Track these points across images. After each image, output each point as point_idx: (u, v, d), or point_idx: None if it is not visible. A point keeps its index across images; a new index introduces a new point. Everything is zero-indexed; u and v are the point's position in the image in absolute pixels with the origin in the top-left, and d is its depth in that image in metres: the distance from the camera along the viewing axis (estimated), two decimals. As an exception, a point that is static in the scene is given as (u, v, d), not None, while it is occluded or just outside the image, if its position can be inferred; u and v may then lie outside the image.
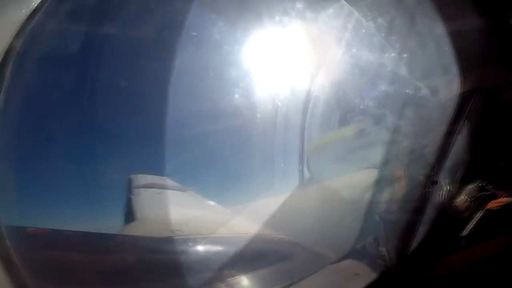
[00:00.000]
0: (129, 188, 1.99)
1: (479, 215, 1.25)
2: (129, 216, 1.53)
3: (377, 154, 1.25)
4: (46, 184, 1.12)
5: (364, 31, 1.22)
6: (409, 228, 1.07)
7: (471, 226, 1.20)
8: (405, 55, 1.16)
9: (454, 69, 1.11)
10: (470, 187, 1.70)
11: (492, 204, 1.33)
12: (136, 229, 1.40)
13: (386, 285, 0.90)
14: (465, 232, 1.20)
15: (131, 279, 0.93)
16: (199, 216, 2.07)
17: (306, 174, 2.16)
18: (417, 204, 1.20)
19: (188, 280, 1.02)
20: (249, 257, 1.34)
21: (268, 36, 1.15)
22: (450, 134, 1.36)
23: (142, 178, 2.23)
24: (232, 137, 1.68)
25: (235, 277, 1.08)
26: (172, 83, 1.37)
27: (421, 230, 1.19)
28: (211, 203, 2.28)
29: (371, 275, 0.93)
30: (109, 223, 1.37)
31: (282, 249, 1.59)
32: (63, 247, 0.90)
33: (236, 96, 1.39)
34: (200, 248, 1.39)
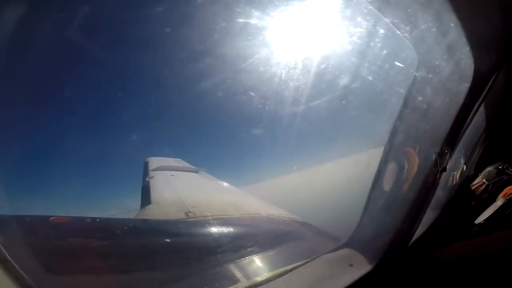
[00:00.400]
0: (144, 171, 2.09)
1: (497, 203, 1.19)
2: (145, 200, 1.64)
3: (385, 137, 1.21)
4: (63, 172, 1.20)
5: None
6: (413, 217, 1.05)
7: (488, 214, 1.15)
8: (418, 32, 1.06)
9: (473, 49, 1.01)
10: (489, 169, 1.61)
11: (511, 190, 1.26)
12: (151, 213, 1.50)
13: (378, 279, 0.90)
14: (479, 219, 1.16)
15: (147, 262, 1.01)
16: (211, 197, 2.16)
17: (315, 156, 2.14)
18: (424, 188, 1.17)
19: (199, 262, 1.09)
20: (258, 238, 1.40)
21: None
22: (465, 114, 1.28)
23: (156, 161, 2.33)
24: (244, 119, 1.69)
25: (245, 258, 1.14)
26: (183, 69, 1.37)
27: (428, 216, 1.16)
28: (224, 183, 2.36)
29: (364, 268, 0.93)
30: (127, 207, 1.47)
31: (290, 230, 1.64)
32: (83, 235, 0.99)
33: (248, 79, 1.38)
34: (211, 229, 1.47)
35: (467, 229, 1.15)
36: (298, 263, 0.96)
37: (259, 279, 1.02)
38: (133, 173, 1.90)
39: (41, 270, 0.69)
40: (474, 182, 1.52)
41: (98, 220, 1.09)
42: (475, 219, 1.18)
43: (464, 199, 1.42)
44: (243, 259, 1.17)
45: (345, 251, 1.03)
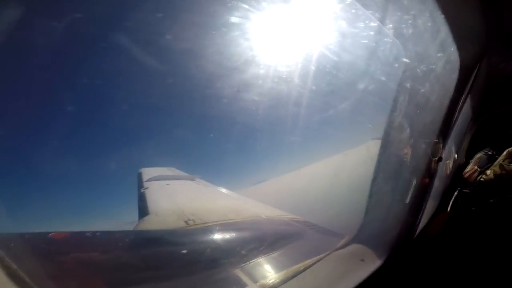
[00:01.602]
0: (139, 183, 2.03)
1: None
2: (142, 211, 1.58)
3: (380, 134, 1.24)
4: (56, 188, 1.14)
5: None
6: (417, 205, 1.08)
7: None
8: (406, 27, 1.11)
9: (457, 42, 1.07)
10: (479, 155, 1.69)
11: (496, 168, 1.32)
12: (150, 224, 1.45)
13: (390, 272, 0.91)
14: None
15: (150, 274, 0.97)
16: (209, 204, 2.12)
17: (311, 156, 2.16)
18: (423, 178, 1.20)
19: (205, 270, 1.06)
20: (261, 241, 1.38)
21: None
22: (454, 105, 1.33)
23: (150, 172, 2.27)
24: (236, 122, 1.67)
25: (249, 262, 1.12)
26: (171, 73, 1.35)
27: (429, 206, 1.19)
28: (220, 189, 2.32)
29: (376, 262, 0.94)
30: (124, 220, 1.41)
31: (292, 230, 1.63)
32: (84, 250, 0.94)
33: (237, 81, 1.37)
34: (213, 236, 1.44)
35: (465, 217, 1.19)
36: (308, 262, 0.96)
37: (269, 281, 1.00)
38: (127, 185, 1.83)
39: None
40: (467, 170, 1.58)
41: (98, 234, 1.04)
42: (471, 206, 1.22)
43: (459, 187, 1.47)
44: (249, 263, 1.15)
45: (354, 247, 1.03)
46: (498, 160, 1.41)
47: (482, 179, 1.42)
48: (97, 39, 1.10)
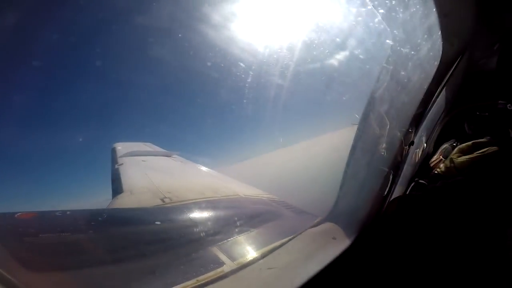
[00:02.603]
0: (112, 158, 1.94)
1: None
2: (116, 188, 1.53)
3: (357, 116, 1.27)
4: (22, 165, 1.06)
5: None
6: (386, 190, 1.15)
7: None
8: (395, 13, 1.09)
9: (441, 36, 1.08)
10: (445, 146, 1.82)
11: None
12: (124, 201, 1.41)
13: (360, 249, 0.98)
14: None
15: (126, 253, 0.96)
16: (187, 181, 2.10)
17: (289, 136, 2.17)
18: (394, 164, 1.26)
19: (182, 248, 1.07)
20: (239, 219, 1.41)
21: None
22: (430, 95, 1.38)
23: (125, 146, 2.17)
24: (217, 98, 1.62)
25: (227, 240, 1.15)
26: (151, 50, 1.25)
27: (397, 191, 1.27)
28: (198, 166, 2.30)
29: (346, 240, 1.00)
30: (97, 198, 1.36)
31: (270, 209, 1.68)
32: (53, 230, 0.89)
33: (224, 58, 1.30)
34: (189, 214, 1.44)
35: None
36: (283, 240, 0.99)
37: (246, 259, 1.03)
38: (100, 160, 1.74)
39: (14, 267, 0.61)
40: (432, 159, 1.70)
41: (68, 213, 1.00)
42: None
43: (425, 175, 1.58)
44: (226, 241, 1.17)
45: (326, 225, 1.09)
46: (451, 154, 1.55)
47: (436, 172, 1.56)
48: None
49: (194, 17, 1.13)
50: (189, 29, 1.15)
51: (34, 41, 0.99)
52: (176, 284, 0.81)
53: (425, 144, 1.66)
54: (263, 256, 1.00)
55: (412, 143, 1.35)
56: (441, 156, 1.63)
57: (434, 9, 0.98)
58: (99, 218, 1.11)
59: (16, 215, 0.85)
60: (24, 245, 0.78)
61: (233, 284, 0.84)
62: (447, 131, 1.79)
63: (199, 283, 0.81)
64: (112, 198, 1.40)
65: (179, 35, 1.19)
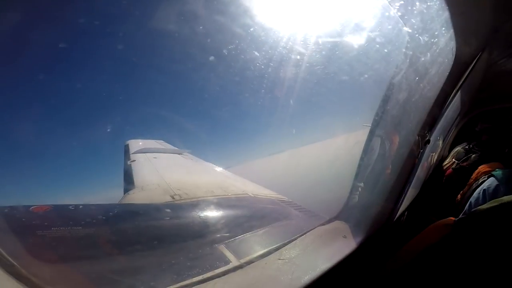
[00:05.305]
0: (125, 155, 1.99)
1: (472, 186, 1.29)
2: (128, 184, 1.56)
3: (371, 116, 1.24)
4: (39, 160, 1.10)
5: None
6: (399, 191, 1.12)
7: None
8: (411, 13, 1.06)
9: (456, 35, 1.04)
10: (457, 149, 1.76)
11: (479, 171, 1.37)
12: (135, 197, 1.45)
13: (370, 250, 0.96)
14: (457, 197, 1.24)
15: (135, 247, 0.98)
16: (197, 179, 2.12)
17: (301, 136, 2.16)
18: (408, 166, 1.23)
19: (190, 245, 1.08)
20: (247, 217, 1.41)
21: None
22: (446, 97, 1.34)
23: (137, 143, 2.22)
24: (229, 99, 1.63)
25: (235, 238, 1.15)
26: (165, 47, 1.27)
27: (410, 193, 1.24)
28: (208, 164, 2.32)
29: (357, 240, 0.98)
30: (108, 193, 1.40)
31: (278, 209, 1.68)
32: (67, 223, 0.93)
33: (235, 61, 1.31)
34: (198, 211, 1.45)
35: (443, 206, 1.26)
36: (292, 237, 0.99)
37: (253, 256, 1.03)
38: (113, 156, 1.79)
39: (29, 260, 0.64)
40: (445, 162, 1.64)
41: (81, 207, 1.03)
42: (449, 197, 1.29)
43: (438, 178, 1.53)
44: (234, 239, 1.18)
45: (337, 223, 1.08)
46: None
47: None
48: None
49: (213, 15, 1.14)
50: (205, 28, 1.16)
51: (52, 39, 1.03)
52: (183, 280, 0.82)
53: (440, 147, 1.61)
54: (270, 252, 0.99)
55: (427, 141, 1.32)
56: (453, 159, 1.58)
57: (450, 7, 0.95)
58: (110, 213, 1.14)
59: (31, 208, 0.88)
60: (38, 237, 0.81)
61: (241, 278, 0.84)
62: (464, 134, 1.73)
63: (205, 279, 0.82)
64: (124, 194, 1.43)
65: (194, 35, 1.21)
